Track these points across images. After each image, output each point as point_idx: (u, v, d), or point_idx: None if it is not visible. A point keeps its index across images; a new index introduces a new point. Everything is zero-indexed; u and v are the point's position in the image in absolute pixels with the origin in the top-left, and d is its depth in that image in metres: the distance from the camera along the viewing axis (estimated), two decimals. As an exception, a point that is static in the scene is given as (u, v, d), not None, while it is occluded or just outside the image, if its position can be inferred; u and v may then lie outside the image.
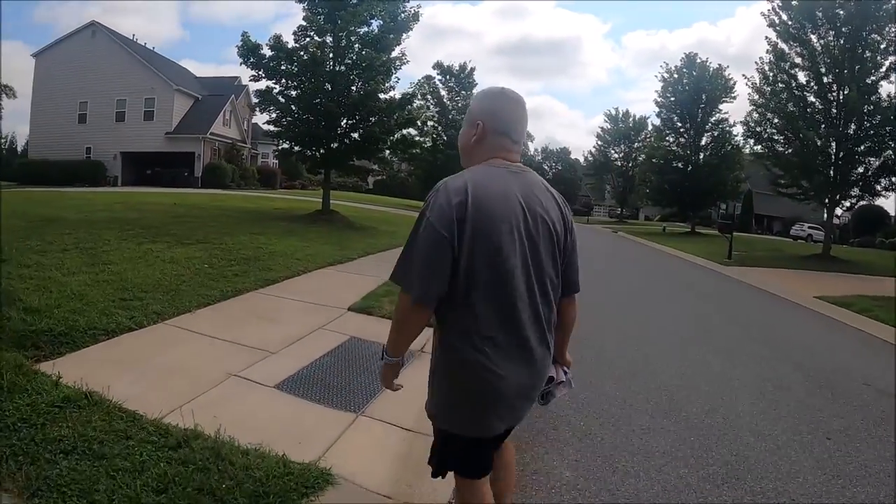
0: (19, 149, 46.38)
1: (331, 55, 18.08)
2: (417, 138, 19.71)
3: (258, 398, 4.47)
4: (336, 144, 18.98)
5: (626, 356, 6.84)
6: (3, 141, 57.51)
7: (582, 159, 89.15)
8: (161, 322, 6.09)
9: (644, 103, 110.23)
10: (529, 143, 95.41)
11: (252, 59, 17.71)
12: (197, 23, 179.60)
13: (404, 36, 18.68)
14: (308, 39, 17.68)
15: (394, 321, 2.13)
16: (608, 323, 8.68)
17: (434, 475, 2.33)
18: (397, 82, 21.16)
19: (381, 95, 18.64)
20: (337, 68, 18.16)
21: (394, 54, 18.45)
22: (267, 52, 17.69)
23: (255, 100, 19.72)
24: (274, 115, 18.62)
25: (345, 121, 18.58)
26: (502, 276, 1.98)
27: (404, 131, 19.87)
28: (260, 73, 17.93)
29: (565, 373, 2.43)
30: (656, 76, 42.73)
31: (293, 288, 8.54)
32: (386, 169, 32.12)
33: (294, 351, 5.67)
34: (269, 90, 18.13)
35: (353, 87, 18.26)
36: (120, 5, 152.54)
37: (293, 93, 18.33)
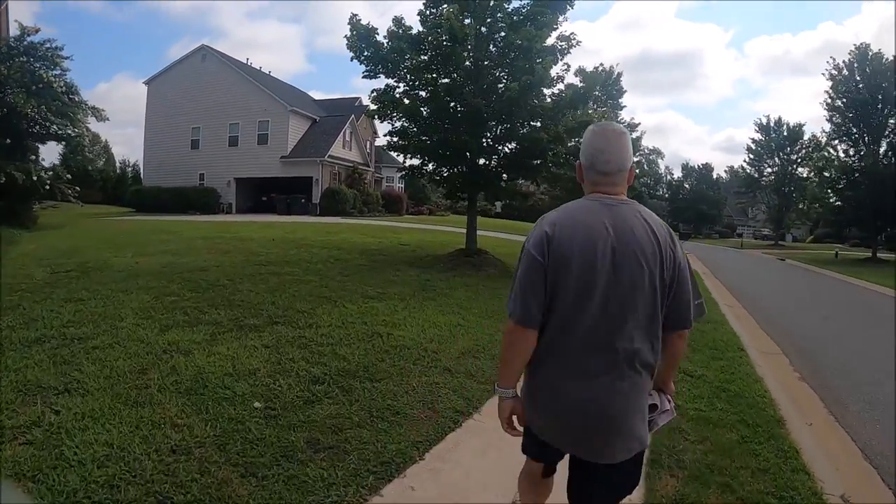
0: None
1: (469, 46, 13.41)
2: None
3: None
4: (484, 160, 14.15)
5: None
6: (123, 169, 58.63)
7: (715, 175, 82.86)
8: None
9: (775, 114, 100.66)
10: (659, 161, 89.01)
11: (366, 52, 13.31)
12: (322, 55, 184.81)
13: (561, 18, 13.60)
14: (441, 17, 12.98)
15: (502, 349, 2.24)
16: None
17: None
18: (566, 71, 15.24)
19: (546, 90, 13.66)
20: (480, 61, 13.49)
21: (555, 35, 13.48)
22: (384, 40, 13.27)
23: (371, 105, 15.09)
24: (397, 124, 14.14)
25: (496, 127, 13.80)
26: (576, 305, 2.02)
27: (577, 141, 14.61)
28: (377, 68, 13.49)
29: (669, 401, 2.35)
30: (823, 74, 36.92)
31: (456, 482, 3.65)
32: (556, 189, 26.10)
33: None
34: (388, 89, 13.65)
35: (502, 85, 13.41)
36: (250, 42, 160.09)
37: (422, 93, 13.76)
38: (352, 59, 13.51)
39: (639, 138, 40.08)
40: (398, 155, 16.38)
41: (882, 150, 34.29)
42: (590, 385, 2.04)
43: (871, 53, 34.38)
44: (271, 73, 44.30)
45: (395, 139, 14.34)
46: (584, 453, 2.15)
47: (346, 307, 7.49)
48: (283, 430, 3.91)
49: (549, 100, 13.59)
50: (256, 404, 4.30)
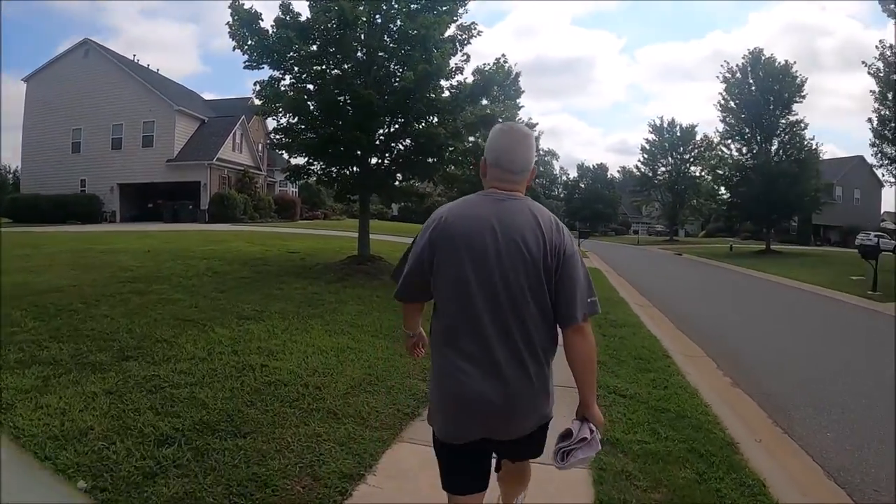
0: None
1: (362, 35, 12.38)
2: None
3: None
4: (377, 159, 13.18)
5: None
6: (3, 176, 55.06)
7: (609, 175, 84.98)
8: None
9: (668, 117, 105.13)
10: (554, 162, 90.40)
11: (250, 41, 11.97)
12: (217, 57, 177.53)
13: (461, 10, 12.78)
14: (330, 3, 11.87)
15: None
16: None
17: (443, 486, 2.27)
18: (466, 62, 13.66)
19: (445, 82, 12.77)
20: (374, 51, 12.47)
21: (454, 26, 12.65)
22: (270, 28, 12.04)
23: (256, 101, 13.79)
24: (283, 121, 12.99)
25: (389, 123, 12.86)
26: (462, 292, 2.06)
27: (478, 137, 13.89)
28: (262, 58, 12.18)
29: (591, 430, 2.13)
30: (717, 77, 38.78)
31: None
32: (454, 190, 24.53)
33: None
34: (272, 81, 12.45)
35: (397, 79, 12.46)
36: (143, 41, 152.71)
37: (310, 86, 12.60)
38: (234, 49, 12.18)
39: (536, 139, 39.80)
40: (282, 153, 15.21)
41: (774, 148, 36.09)
42: (491, 373, 2.04)
43: (763, 58, 36.12)
44: (159, 71, 41.55)
45: (279, 136, 13.20)
46: (478, 433, 2.12)
47: (216, 332, 6.32)
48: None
49: (447, 93, 12.78)
50: (81, 484, 3.13)
